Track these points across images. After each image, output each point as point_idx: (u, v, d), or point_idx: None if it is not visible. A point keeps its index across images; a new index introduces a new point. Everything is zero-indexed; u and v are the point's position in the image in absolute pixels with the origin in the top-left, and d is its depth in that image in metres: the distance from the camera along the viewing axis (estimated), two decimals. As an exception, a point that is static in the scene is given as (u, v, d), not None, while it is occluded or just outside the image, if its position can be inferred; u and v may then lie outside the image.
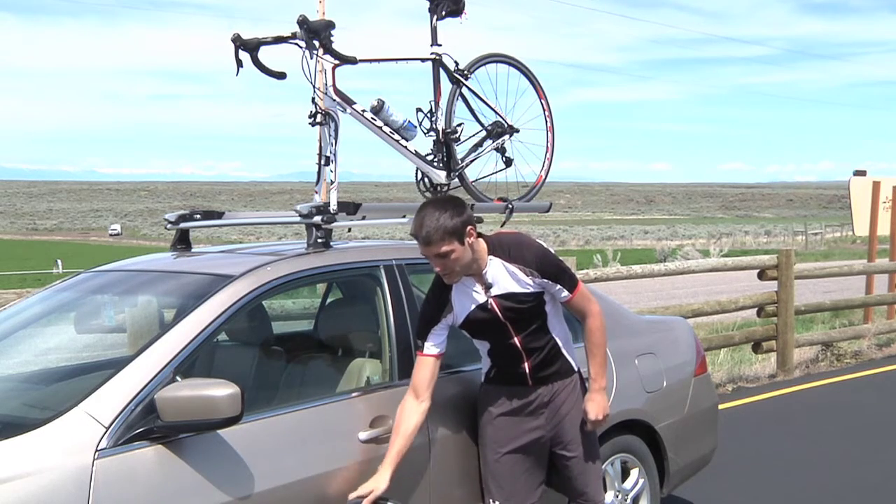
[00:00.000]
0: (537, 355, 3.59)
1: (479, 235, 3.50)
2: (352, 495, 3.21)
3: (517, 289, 3.49)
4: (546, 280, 3.51)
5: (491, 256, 3.50)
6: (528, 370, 3.60)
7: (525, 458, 3.64)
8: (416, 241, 3.44)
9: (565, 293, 3.56)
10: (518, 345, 3.57)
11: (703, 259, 22.60)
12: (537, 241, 3.62)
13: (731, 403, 8.10)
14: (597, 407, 3.62)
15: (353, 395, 3.51)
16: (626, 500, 4.24)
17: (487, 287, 3.49)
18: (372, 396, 3.50)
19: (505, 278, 3.49)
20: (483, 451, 3.66)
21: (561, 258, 3.71)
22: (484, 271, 3.48)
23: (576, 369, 3.70)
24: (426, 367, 3.44)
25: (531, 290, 3.51)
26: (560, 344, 3.65)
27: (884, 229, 12.37)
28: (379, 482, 3.23)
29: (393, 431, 3.35)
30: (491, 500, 3.63)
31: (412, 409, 3.37)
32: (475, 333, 3.61)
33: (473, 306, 3.51)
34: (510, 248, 3.51)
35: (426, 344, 3.48)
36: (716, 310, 9.37)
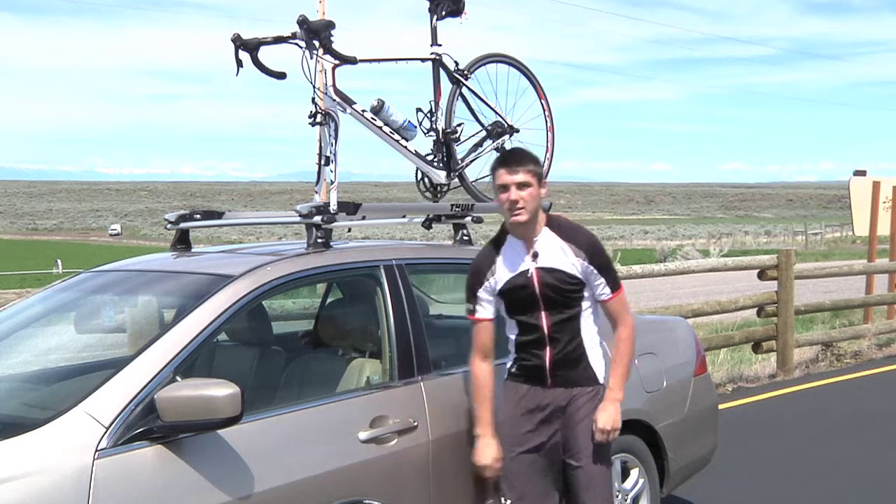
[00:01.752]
0: (560, 348, 3.52)
1: (546, 212, 3.58)
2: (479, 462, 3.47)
3: (562, 266, 3.48)
4: (592, 268, 3.48)
5: (546, 228, 3.53)
6: (548, 363, 3.54)
7: (540, 460, 3.59)
8: (418, 241, 3.45)
9: (607, 291, 3.52)
10: (545, 328, 3.51)
11: (703, 259, 22.61)
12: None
13: (731, 403, 8.10)
14: (607, 417, 3.53)
15: (353, 395, 3.51)
16: (626, 500, 4.24)
17: (535, 255, 3.50)
18: (372, 396, 3.50)
19: (553, 252, 3.50)
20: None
21: None
22: (535, 238, 3.51)
23: (600, 381, 3.59)
24: (484, 330, 3.59)
25: (575, 273, 3.48)
26: (586, 347, 3.56)
27: (884, 229, 12.36)
28: (489, 452, 3.47)
29: (475, 397, 3.55)
30: (503, 500, 3.61)
31: (486, 371, 3.58)
32: (511, 306, 3.57)
33: (516, 272, 3.52)
34: (566, 227, 3.55)
35: (476, 307, 3.58)
36: (716, 310, 9.37)
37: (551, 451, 3.62)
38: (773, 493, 5.58)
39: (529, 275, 3.50)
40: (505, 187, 3.45)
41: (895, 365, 10.09)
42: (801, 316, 10.86)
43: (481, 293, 3.57)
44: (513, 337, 3.63)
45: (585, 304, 3.56)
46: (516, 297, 3.54)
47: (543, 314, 3.52)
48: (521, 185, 3.43)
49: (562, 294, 3.50)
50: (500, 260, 3.56)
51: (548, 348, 3.54)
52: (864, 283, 12.64)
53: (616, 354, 3.59)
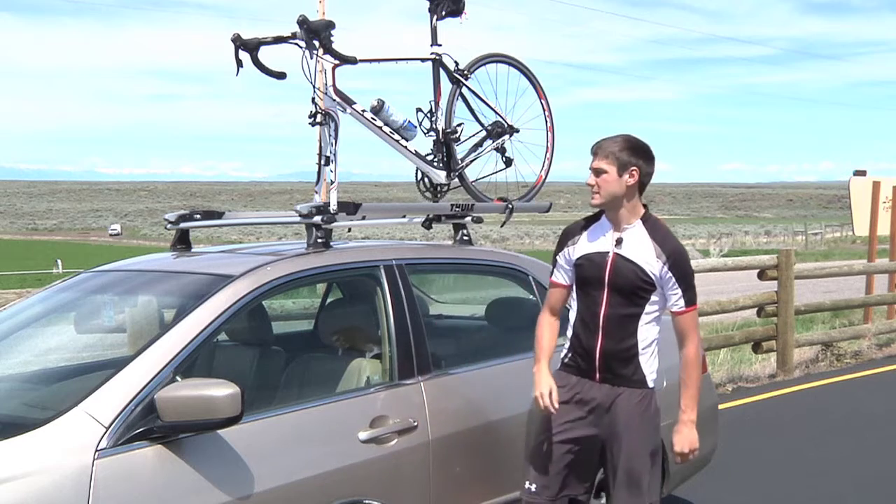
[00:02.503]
0: (613, 341, 3.49)
1: (645, 207, 3.59)
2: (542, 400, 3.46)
3: (639, 261, 3.47)
4: (671, 275, 3.46)
5: (639, 222, 3.53)
6: (598, 354, 3.50)
7: (574, 452, 3.56)
8: (418, 241, 3.47)
9: (681, 304, 3.48)
10: (602, 314, 3.49)
11: (703, 259, 22.60)
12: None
13: (731, 403, 8.10)
14: (684, 440, 3.55)
15: (353, 395, 3.51)
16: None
17: (618, 241, 3.51)
18: (372, 396, 3.50)
19: (637, 245, 3.50)
20: (533, 431, 3.62)
21: None
22: (625, 226, 3.52)
23: (649, 386, 3.56)
24: (556, 293, 3.68)
25: (650, 272, 3.46)
26: (640, 349, 3.52)
27: (884, 229, 12.36)
28: (546, 382, 3.48)
29: (537, 346, 3.61)
30: (527, 483, 3.59)
31: (550, 322, 3.68)
32: (579, 280, 3.58)
33: (596, 249, 3.54)
34: (659, 229, 3.55)
35: (555, 272, 3.67)
36: (716, 310, 9.37)
37: (588, 448, 3.57)
38: (773, 493, 5.59)
39: (607, 257, 3.51)
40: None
41: (895, 365, 10.10)
42: (801, 316, 10.86)
43: (560, 258, 3.65)
44: (572, 319, 3.62)
45: (650, 308, 3.51)
46: (587, 272, 3.55)
47: (605, 300, 3.50)
48: (597, 171, 3.49)
49: (629, 287, 3.48)
50: (585, 233, 3.61)
51: (600, 337, 3.51)
52: (864, 283, 12.65)
53: (685, 375, 3.57)
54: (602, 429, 3.53)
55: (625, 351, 3.50)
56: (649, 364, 3.55)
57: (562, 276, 3.65)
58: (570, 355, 3.61)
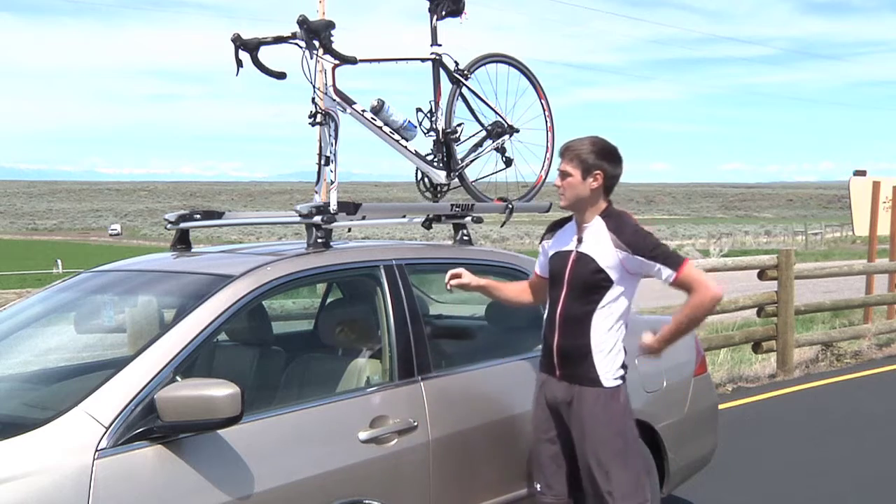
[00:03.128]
0: (568, 338, 3.55)
1: (609, 203, 3.64)
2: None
3: (595, 255, 3.52)
4: (640, 258, 3.48)
5: (598, 217, 3.59)
6: (555, 352, 3.58)
7: (560, 450, 3.64)
8: (418, 241, 3.50)
9: (669, 272, 3.48)
10: (559, 311, 3.58)
11: (703, 259, 22.59)
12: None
13: (731, 403, 8.10)
14: (649, 353, 3.68)
15: (353, 395, 3.51)
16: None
17: (580, 240, 3.59)
18: (372, 396, 3.50)
19: (595, 240, 3.56)
20: (532, 431, 3.74)
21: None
22: (586, 225, 3.59)
23: (603, 385, 3.55)
24: (533, 280, 3.91)
25: (606, 265, 3.49)
26: (594, 347, 3.53)
27: (884, 229, 12.36)
28: (472, 278, 3.70)
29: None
30: (535, 484, 3.70)
31: (519, 285, 3.93)
32: (550, 278, 3.70)
33: (561, 249, 3.65)
34: (614, 218, 3.59)
35: (537, 262, 3.85)
36: (716, 310, 9.36)
37: (568, 444, 3.63)
38: (773, 493, 5.58)
39: (570, 256, 3.60)
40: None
41: (895, 365, 10.10)
42: (801, 316, 10.85)
43: (541, 248, 3.82)
44: (544, 318, 3.72)
45: (608, 306, 3.53)
46: (554, 269, 3.67)
47: (563, 297, 3.58)
48: (563, 174, 3.58)
49: (584, 282, 3.53)
50: (557, 233, 3.74)
51: (557, 334, 3.59)
52: (864, 283, 12.65)
53: (681, 310, 3.58)
54: (573, 424, 3.60)
55: (578, 349, 3.55)
56: (605, 364, 3.55)
57: (539, 267, 3.82)
58: (542, 352, 3.72)
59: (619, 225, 3.55)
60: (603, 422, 3.54)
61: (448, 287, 3.71)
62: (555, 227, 3.79)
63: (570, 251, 3.61)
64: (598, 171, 3.53)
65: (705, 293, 3.47)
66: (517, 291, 3.92)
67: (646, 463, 4.08)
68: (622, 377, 3.61)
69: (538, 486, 3.69)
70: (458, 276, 3.69)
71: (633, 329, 4.53)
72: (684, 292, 3.53)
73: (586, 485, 3.60)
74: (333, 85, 3.94)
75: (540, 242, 3.85)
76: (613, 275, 3.51)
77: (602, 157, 3.56)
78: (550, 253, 3.71)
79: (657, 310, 9.23)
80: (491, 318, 4.60)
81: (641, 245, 3.50)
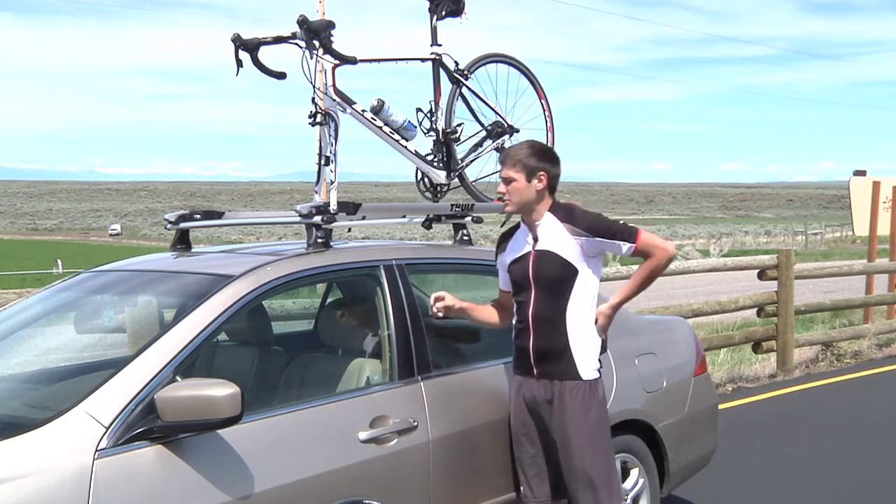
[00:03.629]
0: (544, 337, 3.58)
1: (553, 199, 3.68)
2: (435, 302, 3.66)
3: (556, 249, 3.57)
4: (599, 239, 3.55)
5: (548, 213, 3.64)
6: (532, 351, 3.61)
7: (540, 452, 3.67)
8: (418, 241, 3.51)
9: (627, 244, 3.56)
10: (530, 312, 3.60)
11: (703, 259, 22.59)
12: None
13: (731, 403, 8.10)
14: (602, 323, 3.67)
15: (353, 395, 3.51)
16: (625, 500, 4.24)
17: (536, 239, 3.64)
18: (372, 396, 3.50)
19: (552, 235, 3.61)
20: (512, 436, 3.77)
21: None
22: (537, 223, 3.63)
23: (582, 378, 3.59)
24: (501, 297, 3.87)
25: (570, 255, 3.55)
26: (571, 340, 3.59)
27: (884, 229, 12.36)
28: (455, 300, 3.66)
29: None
30: (522, 487, 3.72)
31: (490, 308, 3.87)
32: (513, 287, 3.73)
33: (519, 254, 3.68)
34: (563, 209, 3.65)
35: (500, 279, 3.85)
36: (716, 310, 9.37)
37: (549, 445, 3.66)
38: (773, 492, 5.58)
39: (529, 257, 3.64)
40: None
41: (895, 365, 10.10)
42: (801, 316, 10.86)
43: (498, 264, 3.84)
44: (513, 323, 3.73)
45: (578, 298, 3.59)
46: (516, 277, 3.69)
47: (532, 297, 3.62)
48: (507, 180, 3.64)
49: (551, 278, 3.57)
50: (511, 241, 3.77)
51: (532, 335, 3.62)
52: (864, 283, 12.65)
53: (636, 272, 3.66)
54: (554, 422, 3.62)
55: (556, 346, 3.59)
56: (584, 356, 3.61)
57: (502, 283, 3.84)
58: (514, 356, 3.74)
59: (570, 214, 3.63)
60: (585, 414, 3.58)
61: (433, 311, 3.69)
62: (505, 238, 3.83)
63: (529, 252, 3.65)
64: (541, 172, 3.61)
65: (662, 254, 3.59)
66: (490, 313, 3.87)
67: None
68: (598, 370, 3.66)
69: (522, 487, 3.73)
70: (441, 298, 3.68)
71: (633, 329, 4.55)
72: (643, 257, 3.64)
73: (568, 479, 3.61)
74: (333, 85, 3.94)
75: (495, 259, 3.87)
76: (577, 263, 3.57)
77: (542, 159, 3.64)
78: (508, 262, 3.74)
79: (657, 310, 9.24)
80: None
81: (598, 226, 3.57)
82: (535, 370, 3.63)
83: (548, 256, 3.59)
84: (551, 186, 3.65)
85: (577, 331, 3.60)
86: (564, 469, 3.63)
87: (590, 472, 3.57)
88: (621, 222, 3.63)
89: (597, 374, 3.64)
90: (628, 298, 3.69)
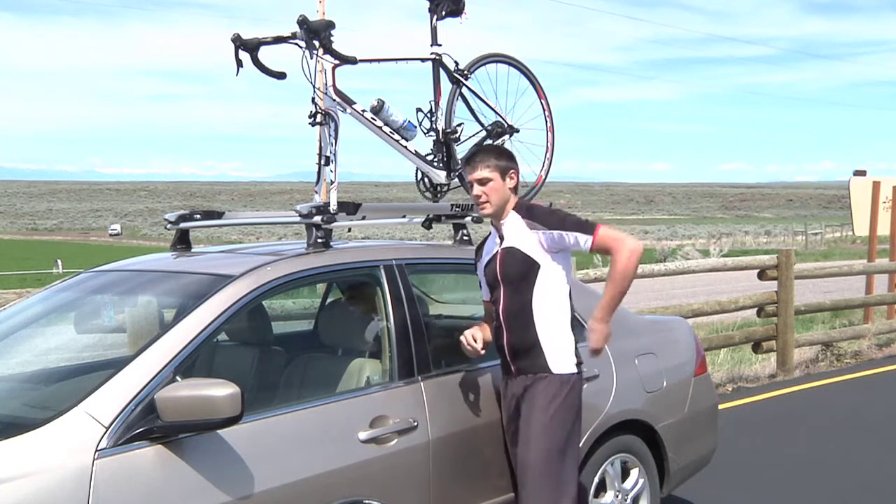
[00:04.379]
0: (515, 334, 3.61)
1: (518, 198, 3.73)
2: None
3: (519, 245, 3.60)
4: (556, 233, 3.55)
5: (512, 211, 3.66)
6: (507, 350, 3.64)
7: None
8: (418, 241, 3.52)
9: (585, 238, 3.54)
10: (501, 310, 3.64)
11: (703, 259, 22.60)
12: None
13: (731, 403, 8.10)
14: (595, 336, 3.59)
15: (353, 395, 3.51)
16: (625, 500, 4.24)
17: (502, 238, 3.67)
18: (372, 396, 3.50)
19: (515, 233, 3.63)
20: None
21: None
22: (503, 222, 3.66)
23: (552, 371, 3.57)
24: (485, 308, 3.86)
25: (532, 251, 3.57)
26: (539, 334, 3.59)
27: (884, 229, 12.37)
28: (482, 337, 3.66)
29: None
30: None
31: (486, 327, 3.77)
32: (489, 289, 3.75)
33: (490, 256, 3.71)
34: (524, 206, 3.69)
35: (482, 290, 3.85)
36: (716, 310, 9.37)
37: None
38: (773, 493, 5.58)
39: (497, 257, 3.68)
40: (471, 184, 3.68)
41: (895, 365, 10.10)
42: (801, 316, 10.86)
43: (478, 274, 3.84)
44: (493, 325, 3.75)
45: (542, 292, 3.59)
46: (488, 278, 3.73)
47: (502, 296, 3.64)
48: (482, 181, 3.63)
49: (514, 273, 3.60)
50: (483, 251, 3.82)
51: (505, 333, 3.64)
52: (864, 283, 12.65)
53: (608, 277, 3.64)
54: (521, 417, 3.62)
55: (526, 340, 3.61)
56: (553, 350, 3.59)
57: (484, 293, 3.84)
58: (498, 356, 3.75)
59: (530, 211, 3.66)
60: (547, 406, 3.54)
61: (474, 352, 3.67)
62: (480, 248, 3.87)
63: (497, 252, 3.68)
64: (512, 171, 3.66)
65: (622, 248, 3.53)
66: (487, 332, 3.78)
67: (581, 494, 3.80)
68: (578, 369, 3.63)
69: (514, 491, 3.70)
70: (475, 339, 3.65)
71: (633, 329, 4.55)
72: (605, 254, 3.62)
73: (519, 473, 3.57)
74: (333, 85, 3.94)
75: (476, 271, 3.87)
76: (538, 257, 3.58)
77: (510, 158, 3.72)
78: (483, 267, 3.77)
79: (657, 310, 9.24)
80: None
81: (552, 220, 3.59)
82: (512, 367, 3.65)
83: (511, 252, 3.61)
84: (517, 185, 3.71)
85: (544, 325, 3.59)
86: (518, 460, 3.58)
87: (539, 466, 3.50)
88: (582, 217, 3.65)
89: (571, 370, 3.61)
90: (611, 306, 3.60)
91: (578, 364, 3.66)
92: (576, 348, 3.67)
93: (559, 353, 3.61)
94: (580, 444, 3.75)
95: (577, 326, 4.26)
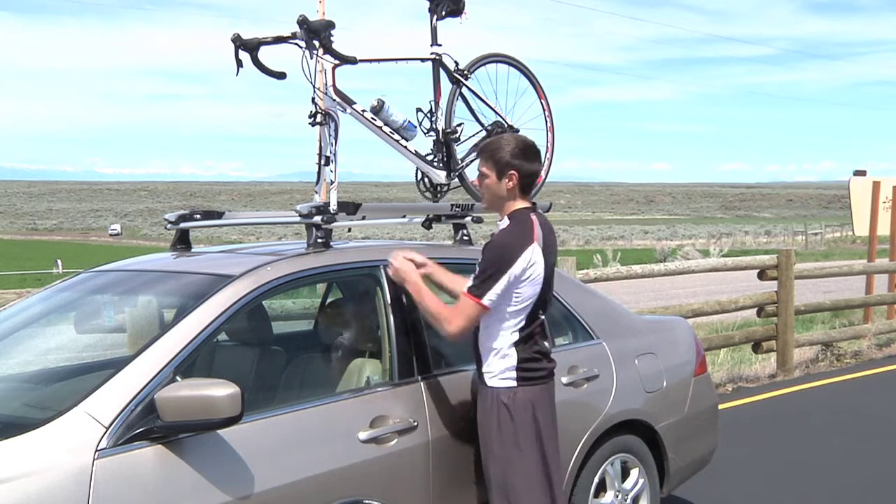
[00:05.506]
0: (476, 341, 3.55)
1: (533, 205, 3.60)
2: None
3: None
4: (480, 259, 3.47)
5: (507, 217, 3.56)
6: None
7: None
8: (418, 241, 3.49)
9: (464, 286, 3.45)
10: None
11: (703, 259, 22.59)
12: (518, 241, 3.44)
13: (731, 403, 8.10)
14: (395, 264, 3.58)
15: (353, 395, 3.51)
16: (626, 500, 4.24)
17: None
18: (372, 396, 3.50)
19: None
20: None
21: (514, 264, 3.38)
22: (498, 223, 3.61)
23: (488, 385, 3.48)
24: None
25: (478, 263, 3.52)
26: (482, 347, 3.52)
27: (884, 229, 12.37)
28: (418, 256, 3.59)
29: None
30: None
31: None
32: None
33: None
34: (511, 222, 3.52)
35: None
36: (716, 310, 9.37)
37: None
38: (773, 493, 5.59)
39: None
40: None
41: (895, 365, 10.10)
42: (801, 316, 10.86)
43: None
44: None
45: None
46: None
47: None
48: (480, 175, 3.61)
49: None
50: None
51: (476, 338, 3.59)
52: (864, 283, 12.65)
53: (439, 284, 3.64)
54: None
55: (474, 350, 3.57)
56: (495, 364, 3.48)
57: None
58: None
59: (503, 230, 3.51)
60: (488, 421, 3.49)
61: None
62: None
63: None
64: (512, 171, 3.49)
65: (444, 324, 3.42)
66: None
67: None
68: (519, 382, 3.46)
69: None
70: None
71: (633, 329, 4.55)
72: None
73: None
74: (333, 85, 3.94)
75: None
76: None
77: (517, 156, 3.49)
78: None
79: (657, 310, 9.24)
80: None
81: (487, 255, 3.44)
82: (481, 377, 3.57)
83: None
84: (524, 185, 3.53)
85: (484, 336, 3.51)
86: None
87: (490, 478, 3.49)
88: (492, 278, 3.37)
89: (507, 384, 3.46)
90: (436, 279, 3.62)
91: (533, 377, 3.48)
92: (543, 356, 3.52)
93: (493, 367, 3.49)
94: (545, 457, 3.49)
95: (580, 329, 4.25)
